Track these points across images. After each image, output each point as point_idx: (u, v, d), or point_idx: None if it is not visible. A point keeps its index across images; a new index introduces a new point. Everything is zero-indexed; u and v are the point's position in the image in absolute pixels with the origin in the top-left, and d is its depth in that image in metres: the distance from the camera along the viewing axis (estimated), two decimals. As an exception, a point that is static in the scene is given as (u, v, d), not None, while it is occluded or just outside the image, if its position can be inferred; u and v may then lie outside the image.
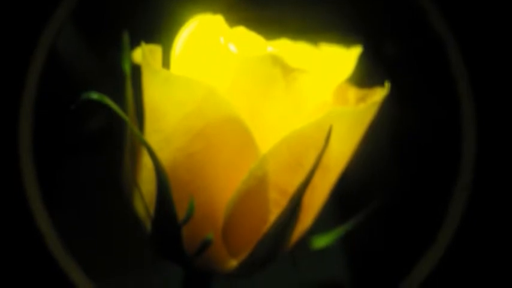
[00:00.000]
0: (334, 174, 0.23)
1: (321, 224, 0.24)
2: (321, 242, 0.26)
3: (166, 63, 0.22)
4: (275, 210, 0.21)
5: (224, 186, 0.20)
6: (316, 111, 0.21)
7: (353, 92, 0.23)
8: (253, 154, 0.20)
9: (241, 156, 0.20)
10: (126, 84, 0.23)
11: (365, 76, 0.24)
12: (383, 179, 0.32)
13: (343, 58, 0.23)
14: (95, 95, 0.19)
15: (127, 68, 0.23)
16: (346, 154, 0.22)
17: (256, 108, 0.20)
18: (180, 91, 0.20)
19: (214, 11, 0.23)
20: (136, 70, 0.22)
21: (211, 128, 0.20)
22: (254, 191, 0.20)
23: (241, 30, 0.23)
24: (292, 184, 0.21)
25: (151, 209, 0.22)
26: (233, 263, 0.22)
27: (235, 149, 0.20)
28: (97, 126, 0.32)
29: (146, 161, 0.22)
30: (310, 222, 0.23)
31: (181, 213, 0.21)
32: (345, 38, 0.24)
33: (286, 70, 0.20)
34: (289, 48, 0.23)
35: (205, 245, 0.20)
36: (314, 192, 0.22)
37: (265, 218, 0.21)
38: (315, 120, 0.20)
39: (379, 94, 0.21)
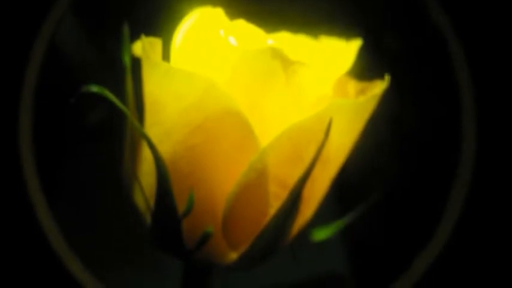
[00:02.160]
0: (335, 167, 0.23)
1: (321, 217, 0.24)
2: (321, 234, 0.26)
3: (166, 56, 0.22)
4: (275, 203, 0.21)
5: (224, 179, 0.20)
6: (316, 104, 0.21)
7: (353, 85, 0.23)
8: (253, 147, 0.20)
9: (241, 149, 0.20)
10: (126, 77, 0.23)
11: (365, 69, 0.24)
12: (383, 172, 0.32)
13: (343, 51, 0.23)
14: (94, 88, 0.19)
15: (127, 60, 0.23)
16: (346, 146, 0.22)
17: (256, 101, 0.20)
18: (180, 84, 0.20)
19: (214, 4, 0.23)
20: (137, 63, 0.23)
21: (211, 121, 0.20)
22: (254, 183, 0.20)
23: (241, 23, 0.23)
24: (293, 177, 0.21)
25: (152, 202, 0.22)
26: (233, 255, 0.22)
27: (235, 142, 0.20)
28: (97, 119, 0.32)
29: (146, 154, 0.22)
30: (311, 214, 0.23)
31: (181, 206, 0.21)
32: (345, 31, 0.24)
33: (286, 63, 0.20)
34: (289, 41, 0.23)
35: (205, 238, 0.20)
36: (314, 185, 0.22)
37: (265, 211, 0.21)
38: (315, 113, 0.20)
39: (379, 87, 0.21)
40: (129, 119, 0.22)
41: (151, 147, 0.20)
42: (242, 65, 0.20)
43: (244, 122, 0.19)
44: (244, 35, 0.22)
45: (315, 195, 0.23)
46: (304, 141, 0.20)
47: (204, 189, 0.21)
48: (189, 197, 0.20)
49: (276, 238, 0.22)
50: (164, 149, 0.21)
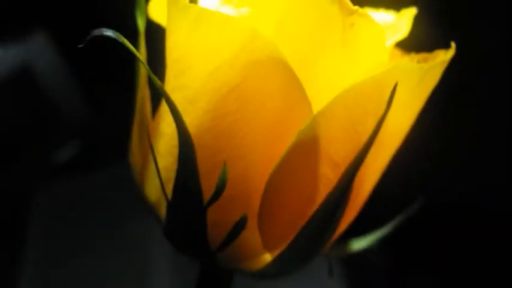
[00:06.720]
0: (388, 152, 0.19)
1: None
2: (359, 244, 0.22)
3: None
4: (324, 189, 0.17)
5: (264, 156, 0.16)
6: (372, 69, 0.17)
7: (411, 56, 0.19)
8: (304, 113, 0.16)
9: (287, 117, 0.16)
10: (139, 42, 0.19)
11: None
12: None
13: (397, 20, 0.20)
14: (108, 32, 0.16)
15: (141, 23, 0.19)
16: (403, 128, 0.19)
17: (307, 56, 0.16)
18: (214, 32, 0.16)
19: None
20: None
21: (251, 81, 0.16)
22: (301, 161, 0.16)
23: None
24: (345, 156, 0.17)
25: (168, 188, 0.17)
26: (266, 257, 0.18)
27: (281, 107, 0.16)
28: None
29: (163, 129, 0.18)
30: (355, 213, 0.20)
31: (206, 192, 0.17)
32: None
33: (345, 10, 0.16)
34: None
35: (239, 227, 0.16)
36: (364, 173, 0.18)
37: (312, 199, 0.17)
38: (377, 75, 0.16)
39: (443, 55, 0.18)
40: (149, 75, 0.17)
41: (174, 111, 0.16)
42: (292, 9, 0.16)
43: (293, 80, 0.16)
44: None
45: (363, 187, 0.19)
46: (361, 110, 0.16)
47: (237, 170, 0.17)
48: (221, 176, 0.16)
49: (321, 236, 0.18)
50: (188, 120, 0.16)
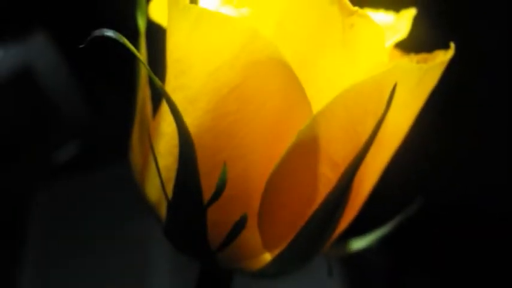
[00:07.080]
0: (388, 152, 0.19)
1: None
2: (359, 244, 0.22)
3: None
4: (324, 189, 0.17)
5: (264, 156, 0.17)
6: (372, 70, 0.17)
7: (411, 57, 0.19)
8: (303, 113, 0.16)
9: (287, 117, 0.16)
10: (139, 42, 0.19)
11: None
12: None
13: (396, 21, 0.20)
14: (109, 32, 0.16)
15: (141, 23, 0.19)
16: (402, 128, 0.19)
17: (306, 56, 0.16)
18: (214, 33, 0.16)
19: None
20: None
21: (251, 81, 0.16)
22: (301, 161, 0.16)
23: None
24: (345, 156, 0.17)
25: (168, 188, 0.18)
26: (266, 257, 0.18)
27: (281, 107, 0.16)
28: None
29: (164, 129, 0.18)
30: (355, 213, 0.20)
31: (206, 192, 0.17)
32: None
33: (345, 11, 0.16)
34: None
35: (239, 226, 0.16)
36: (364, 173, 0.18)
37: (311, 199, 0.17)
38: (377, 75, 0.16)
39: (443, 56, 0.18)
40: (150, 75, 0.17)
41: (174, 110, 0.16)
42: (292, 9, 0.16)
43: (294, 81, 0.16)
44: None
45: (363, 187, 0.19)
46: (361, 110, 0.16)
47: (237, 170, 0.17)
48: (221, 176, 0.16)
49: (321, 236, 0.18)
50: (188, 121, 0.17)
